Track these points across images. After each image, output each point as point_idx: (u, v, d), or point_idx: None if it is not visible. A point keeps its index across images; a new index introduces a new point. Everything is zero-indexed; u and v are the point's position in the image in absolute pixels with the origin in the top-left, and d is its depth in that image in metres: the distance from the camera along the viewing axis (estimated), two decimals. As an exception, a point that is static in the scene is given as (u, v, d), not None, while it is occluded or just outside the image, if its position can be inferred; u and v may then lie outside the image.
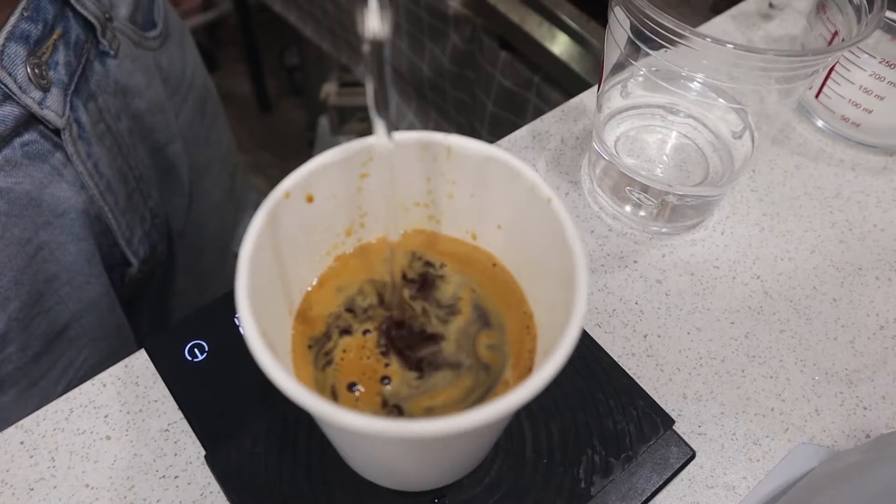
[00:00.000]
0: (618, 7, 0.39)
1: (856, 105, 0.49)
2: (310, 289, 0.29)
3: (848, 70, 0.48)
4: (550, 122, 0.52)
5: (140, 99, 0.56)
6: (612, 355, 0.38)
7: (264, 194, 0.26)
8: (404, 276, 0.30)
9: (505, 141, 0.51)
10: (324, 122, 1.52)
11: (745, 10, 0.61)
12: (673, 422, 0.35)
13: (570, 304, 0.23)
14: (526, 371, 0.26)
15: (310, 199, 0.27)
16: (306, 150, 1.90)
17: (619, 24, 0.39)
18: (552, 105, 0.85)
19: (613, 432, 0.34)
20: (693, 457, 0.35)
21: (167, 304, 0.70)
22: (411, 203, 0.30)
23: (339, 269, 0.30)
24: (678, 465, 0.34)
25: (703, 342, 0.42)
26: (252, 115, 2.13)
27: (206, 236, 0.73)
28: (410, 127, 1.19)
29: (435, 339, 0.28)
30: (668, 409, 0.39)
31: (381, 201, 0.29)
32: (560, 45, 0.82)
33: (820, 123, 0.53)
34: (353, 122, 1.44)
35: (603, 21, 0.68)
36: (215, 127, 0.72)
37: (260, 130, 2.06)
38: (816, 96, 0.51)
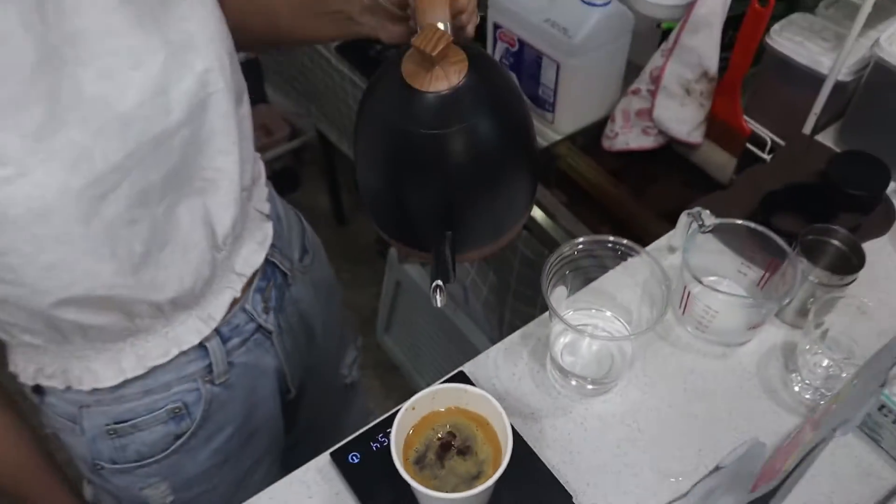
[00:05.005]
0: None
1: (702, 317, 0.88)
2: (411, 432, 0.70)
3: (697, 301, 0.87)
4: (533, 329, 0.93)
5: (303, 303, 0.99)
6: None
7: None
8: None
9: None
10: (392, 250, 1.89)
11: (657, 245, 1.01)
12: None
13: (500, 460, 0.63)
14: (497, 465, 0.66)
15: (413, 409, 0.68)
16: (377, 260, 2.25)
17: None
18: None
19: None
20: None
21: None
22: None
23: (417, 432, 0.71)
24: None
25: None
26: (329, 227, 2.55)
27: (321, 374, 1.14)
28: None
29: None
30: None
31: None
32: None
33: (689, 328, 0.92)
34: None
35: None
36: (333, 303, 1.14)
37: (335, 240, 2.42)
38: (683, 313, 0.91)
